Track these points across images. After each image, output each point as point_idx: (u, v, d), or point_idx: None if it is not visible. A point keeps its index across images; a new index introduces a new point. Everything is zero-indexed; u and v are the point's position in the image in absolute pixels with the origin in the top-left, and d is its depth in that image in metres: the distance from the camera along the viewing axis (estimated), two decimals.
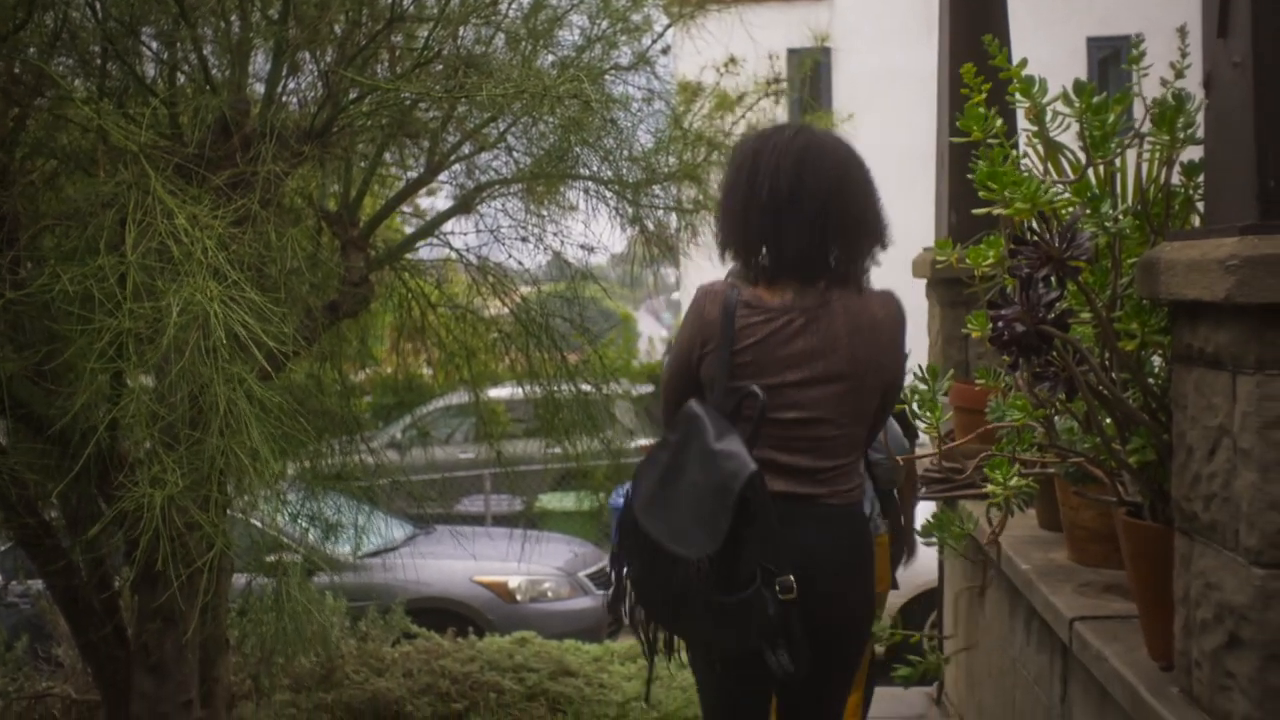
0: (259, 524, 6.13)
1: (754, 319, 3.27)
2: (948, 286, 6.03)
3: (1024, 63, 3.21)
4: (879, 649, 3.88)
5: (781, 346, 3.27)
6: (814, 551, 3.25)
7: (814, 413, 3.30)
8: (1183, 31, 3.03)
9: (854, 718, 4.20)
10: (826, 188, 3.29)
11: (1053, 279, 2.85)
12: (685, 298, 19.23)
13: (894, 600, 3.92)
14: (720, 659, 3.36)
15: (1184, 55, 3.05)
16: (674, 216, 6.73)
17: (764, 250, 3.30)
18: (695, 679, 3.60)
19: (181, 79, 5.21)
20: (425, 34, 5.03)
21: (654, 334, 26.89)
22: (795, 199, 3.26)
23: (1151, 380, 3.07)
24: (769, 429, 3.25)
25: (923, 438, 4.76)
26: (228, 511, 4.57)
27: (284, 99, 5.32)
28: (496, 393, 7.27)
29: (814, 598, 3.14)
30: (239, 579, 6.34)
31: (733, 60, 7.39)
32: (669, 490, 3.28)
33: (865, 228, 3.39)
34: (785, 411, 3.27)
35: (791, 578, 3.07)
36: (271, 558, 6.38)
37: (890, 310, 3.36)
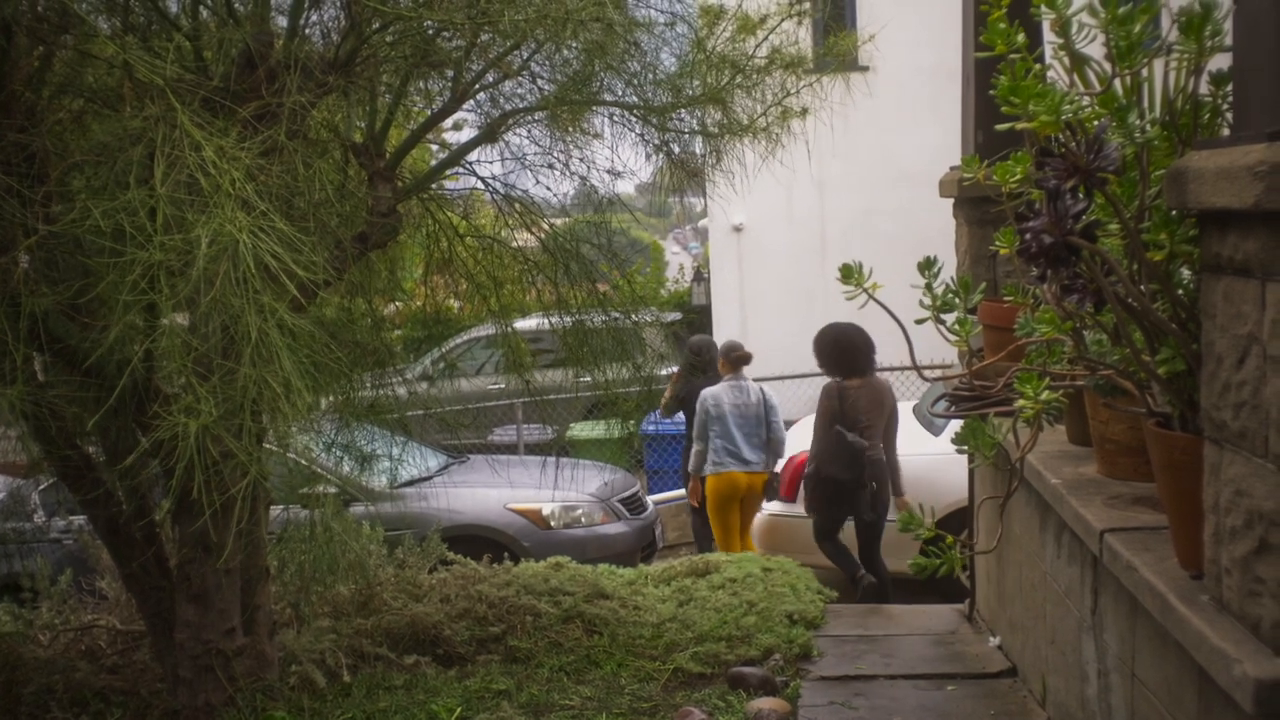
0: (295, 456, 6.19)
1: (846, 391, 8.43)
2: (974, 205, 6.00)
3: None
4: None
5: (860, 400, 8.44)
6: (873, 467, 8.45)
7: (870, 424, 8.41)
8: None
9: None
10: (864, 347, 8.60)
11: (1080, 190, 2.84)
12: (712, 225, 19.21)
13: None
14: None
15: None
16: (699, 141, 6.70)
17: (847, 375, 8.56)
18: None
19: (204, 13, 5.21)
20: None
21: (683, 262, 26.81)
22: (852, 353, 8.60)
23: (1180, 291, 3.06)
24: (856, 425, 8.34)
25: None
26: (263, 442, 4.63)
27: (307, 30, 5.31)
28: (524, 324, 7.29)
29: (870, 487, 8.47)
30: (278, 510, 6.42)
31: None
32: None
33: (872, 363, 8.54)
34: (859, 420, 8.37)
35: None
36: (308, 489, 6.46)
37: (888, 384, 8.90)
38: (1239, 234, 2.51)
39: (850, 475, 8.33)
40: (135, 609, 6.23)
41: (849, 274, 3.94)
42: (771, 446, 9.74)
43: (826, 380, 8.64)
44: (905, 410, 10.98)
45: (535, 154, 6.29)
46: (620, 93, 6.01)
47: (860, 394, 8.42)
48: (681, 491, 12.65)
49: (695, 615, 6.81)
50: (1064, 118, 2.92)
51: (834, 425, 8.35)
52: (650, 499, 11.72)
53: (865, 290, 3.94)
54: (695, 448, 9.82)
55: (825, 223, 17.96)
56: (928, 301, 3.99)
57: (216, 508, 4.08)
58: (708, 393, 9.75)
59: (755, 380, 10.14)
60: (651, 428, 13.22)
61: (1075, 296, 3.04)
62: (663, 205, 7.28)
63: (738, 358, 9.89)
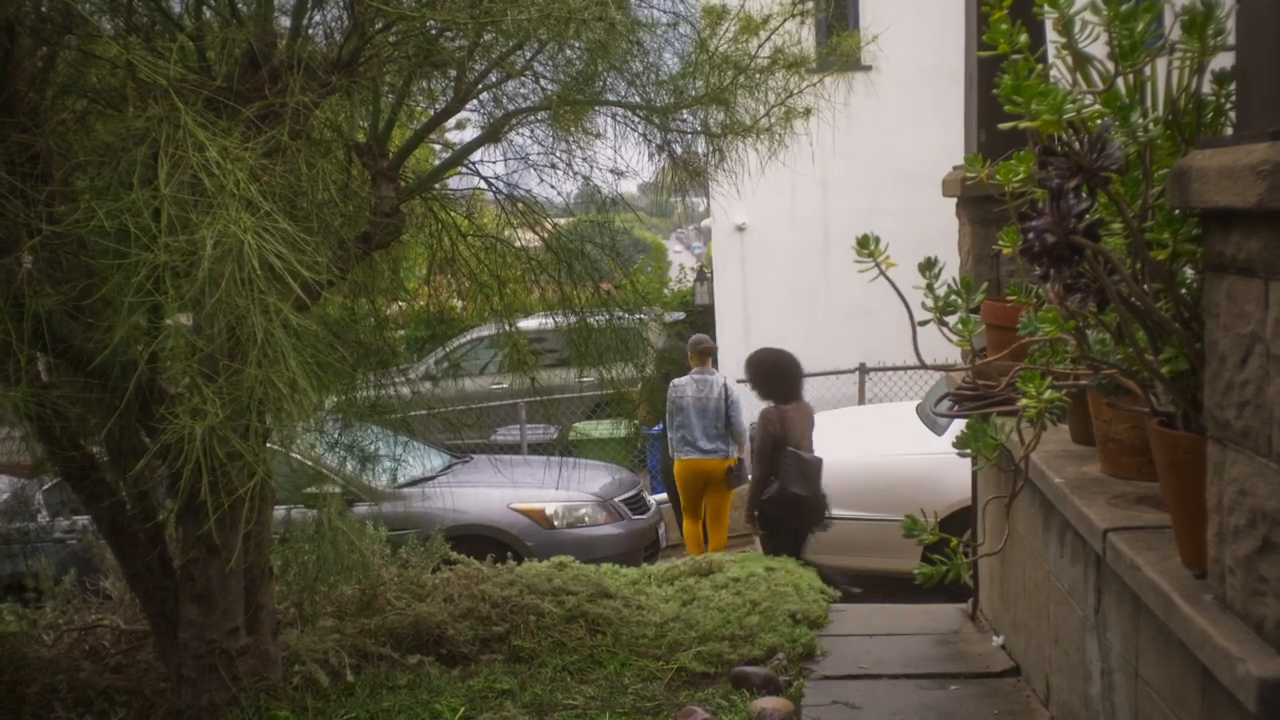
0: (299, 456, 6.20)
1: (786, 415, 9.09)
2: (977, 204, 6.00)
3: None
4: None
5: (797, 422, 9.15)
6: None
7: (805, 439, 9.17)
8: None
9: None
10: (797, 377, 9.45)
11: (1083, 189, 2.84)
12: (715, 225, 19.22)
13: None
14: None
15: None
16: (702, 141, 6.70)
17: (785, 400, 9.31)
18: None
19: (208, 13, 5.21)
20: None
21: (684, 262, 26.82)
22: (789, 379, 9.40)
23: (1183, 290, 3.06)
24: (801, 444, 9.09)
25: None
26: (268, 443, 4.63)
27: (310, 31, 5.31)
28: (527, 323, 7.29)
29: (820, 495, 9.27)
30: (280, 510, 6.42)
31: None
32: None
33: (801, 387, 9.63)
34: (803, 439, 9.11)
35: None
36: (312, 489, 6.46)
37: (811, 406, 9.55)
38: (1242, 233, 2.51)
39: (810, 490, 8.97)
40: (139, 609, 6.24)
41: (865, 244, 3.95)
42: (733, 436, 10.42)
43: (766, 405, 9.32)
44: (908, 410, 11.00)
45: (538, 154, 6.31)
46: (623, 93, 6.01)
47: (796, 416, 9.20)
48: None
49: (698, 614, 6.81)
50: (1067, 117, 2.92)
51: (783, 447, 8.99)
52: (653, 499, 11.73)
53: (877, 265, 3.94)
54: (667, 434, 10.67)
55: (828, 222, 17.94)
56: (929, 304, 3.99)
57: (224, 509, 4.09)
58: (675, 384, 10.47)
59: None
60: (654, 428, 13.25)
61: (1078, 295, 3.04)
62: (665, 205, 7.28)
63: (703, 350, 10.62)
